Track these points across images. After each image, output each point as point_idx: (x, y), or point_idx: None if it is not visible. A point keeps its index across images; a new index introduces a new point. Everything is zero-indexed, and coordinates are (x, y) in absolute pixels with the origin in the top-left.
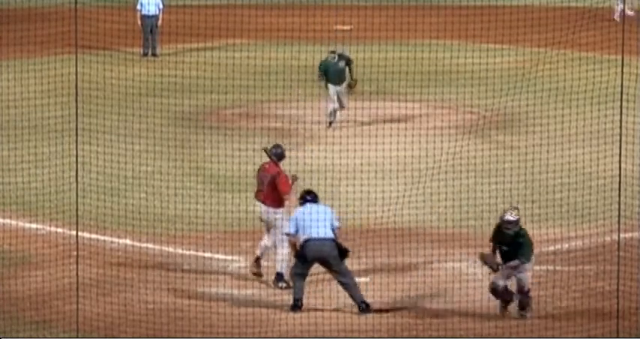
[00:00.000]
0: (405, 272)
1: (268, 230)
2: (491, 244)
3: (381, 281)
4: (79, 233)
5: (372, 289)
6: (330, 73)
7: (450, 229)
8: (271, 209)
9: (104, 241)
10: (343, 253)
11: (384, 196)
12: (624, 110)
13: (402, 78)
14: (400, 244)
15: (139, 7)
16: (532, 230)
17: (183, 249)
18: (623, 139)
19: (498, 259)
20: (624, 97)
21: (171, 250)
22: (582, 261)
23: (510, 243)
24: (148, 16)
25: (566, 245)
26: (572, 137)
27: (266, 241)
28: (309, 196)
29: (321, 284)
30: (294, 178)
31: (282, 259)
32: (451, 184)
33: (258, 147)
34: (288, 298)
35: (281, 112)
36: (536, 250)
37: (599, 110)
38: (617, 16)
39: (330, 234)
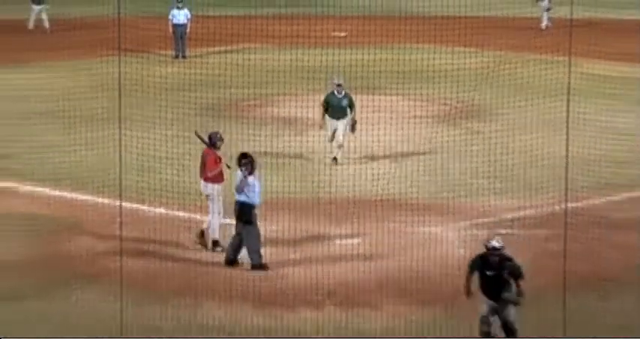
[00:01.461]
0: (390, 234)
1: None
2: (468, 270)
3: (370, 241)
4: (122, 203)
5: (362, 247)
6: (332, 107)
7: (427, 200)
8: (209, 184)
9: (143, 209)
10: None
11: (372, 173)
12: (570, 102)
13: (388, 76)
14: (386, 212)
15: (170, 17)
16: (494, 201)
17: (207, 216)
18: (570, 126)
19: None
20: (571, 91)
21: (197, 217)
22: (535, 226)
23: (496, 268)
24: (179, 25)
25: (522, 213)
26: (528, 124)
27: (216, 220)
28: (243, 160)
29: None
30: (227, 165)
31: (215, 228)
32: (428, 163)
33: (269, 133)
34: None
35: (287, 104)
36: (496, 218)
37: (550, 102)
38: (543, 26)
39: (246, 200)
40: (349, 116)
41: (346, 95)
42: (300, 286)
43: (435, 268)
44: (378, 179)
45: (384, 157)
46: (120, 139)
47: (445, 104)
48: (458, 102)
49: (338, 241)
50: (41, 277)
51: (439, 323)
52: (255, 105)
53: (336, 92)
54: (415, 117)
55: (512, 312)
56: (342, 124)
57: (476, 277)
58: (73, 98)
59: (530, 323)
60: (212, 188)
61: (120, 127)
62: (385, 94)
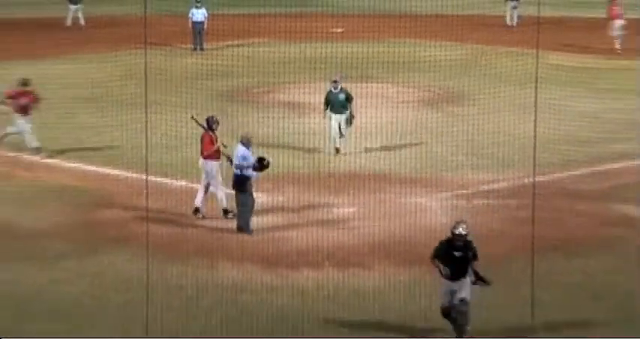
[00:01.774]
0: (381, 204)
1: (207, 183)
2: (435, 261)
3: (364, 210)
4: (149, 177)
5: (357, 215)
6: (332, 103)
7: (413, 174)
8: (208, 162)
9: (166, 183)
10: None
11: (366, 150)
12: (538, 89)
13: (379, 66)
14: (378, 184)
15: (190, 15)
16: (471, 175)
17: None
18: (538, 109)
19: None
20: (538, 79)
21: (213, 189)
22: (507, 197)
23: (463, 250)
24: (197, 22)
25: (496, 185)
26: (501, 108)
27: (201, 192)
28: (244, 140)
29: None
30: (223, 145)
31: (221, 198)
32: (414, 142)
33: (275, 115)
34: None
35: (292, 91)
36: (473, 190)
37: (520, 89)
38: (508, 22)
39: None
40: (349, 111)
41: (342, 90)
42: (303, 249)
43: (419, 234)
44: (371, 156)
45: (376, 136)
46: (146, 121)
47: (429, 91)
48: (440, 89)
49: (336, 210)
50: (78, 241)
51: (422, 282)
52: (263, 91)
53: (332, 89)
54: (403, 102)
55: (469, 292)
56: (343, 118)
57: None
58: (106, 86)
59: (503, 282)
60: (211, 165)
61: (146, 111)
62: (377, 82)
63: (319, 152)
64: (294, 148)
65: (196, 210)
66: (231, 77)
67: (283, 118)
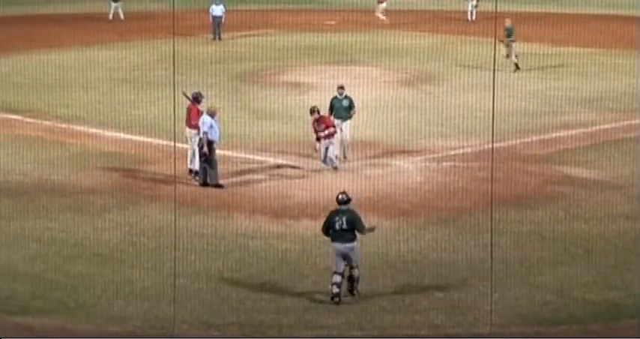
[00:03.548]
0: (368, 169)
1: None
2: (323, 232)
3: (352, 172)
4: (176, 144)
5: (347, 176)
6: (336, 108)
7: (393, 142)
8: (192, 130)
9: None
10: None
11: (354, 123)
12: (496, 71)
13: (365, 52)
14: (364, 150)
15: (210, 10)
16: (441, 142)
17: (237, 153)
18: (495, 88)
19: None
20: (495, 63)
21: (229, 153)
22: (470, 160)
23: (347, 218)
24: (216, 16)
25: (461, 151)
26: (465, 87)
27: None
28: (209, 112)
29: None
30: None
31: (191, 160)
32: (393, 115)
33: (282, 93)
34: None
35: (293, 73)
36: (443, 154)
37: (481, 71)
38: (469, 18)
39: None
40: (351, 119)
41: (347, 97)
42: (303, 204)
43: (398, 190)
44: (358, 127)
45: (363, 110)
46: (174, 97)
47: (406, 73)
48: (415, 71)
49: (330, 172)
50: (118, 196)
51: (401, 231)
52: (270, 73)
53: (338, 95)
54: (384, 82)
55: (358, 255)
56: (346, 125)
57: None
58: (141, 68)
59: (463, 228)
60: (195, 134)
61: (174, 89)
62: (363, 66)
63: None
64: (296, 119)
65: (191, 171)
66: (244, 61)
67: (287, 95)
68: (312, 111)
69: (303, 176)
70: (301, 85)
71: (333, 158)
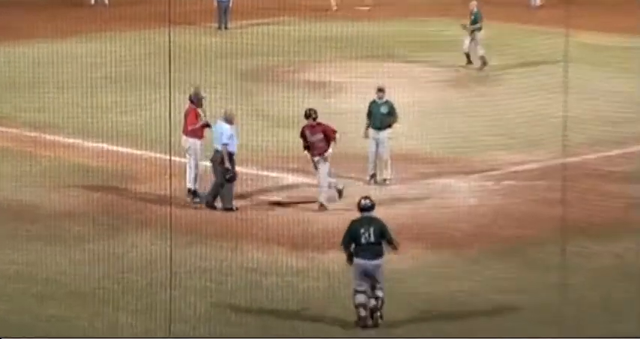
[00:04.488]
0: (409, 185)
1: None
2: (343, 246)
3: (391, 192)
4: (172, 157)
5: (384, 197)
6: (373, 116)
7: (441, 154)
8: (189, 139)
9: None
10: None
11: (393, 131)
12: (568, 68)
13: (405, 45)
14: (405, 165)
15: None
16: (500, 156)
17: (247, 169)
18: (567, 89)
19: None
20: (567, 58)
21: (237, 169)
22: (536, 178)
23: (376, 229)
24: (222, 1)
25: (525, 167)
26: (529, 88)
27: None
28: (228, 117)
29: None
30: (206, 122)
31: (191, 179)
32: (441, 122)
33: (302, 95)
34: None
35: (317, 70)
36: (504, 171)
37: (549, 68)
38: (532, 3)
39: (218, 146)
40: (391, 129)
41: (387, 102)
42: (329, 231)
43: (447, 216)
44: (398, 137)
45: (402, 117)
46: (170, 100)
47: (456, 70)
48: (466, 68)
49: (361, 192)
50: (100, 222)
51: (450, 266)
52: (288, 70)
53: (377, 98)
54: (429, 82)
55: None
56: (384, 137)
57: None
58: (129, 65)
59: (532, 266)
60: (193, 143)
61: (170, 90)
62: (402, 61)
63: (345, 133)
64: None
65: (192, 193)
66: (255, 56)
67: (308, 97)
68: (308, 115)
69: (329, 198)
70: (326, 86)
71: (332, 179)
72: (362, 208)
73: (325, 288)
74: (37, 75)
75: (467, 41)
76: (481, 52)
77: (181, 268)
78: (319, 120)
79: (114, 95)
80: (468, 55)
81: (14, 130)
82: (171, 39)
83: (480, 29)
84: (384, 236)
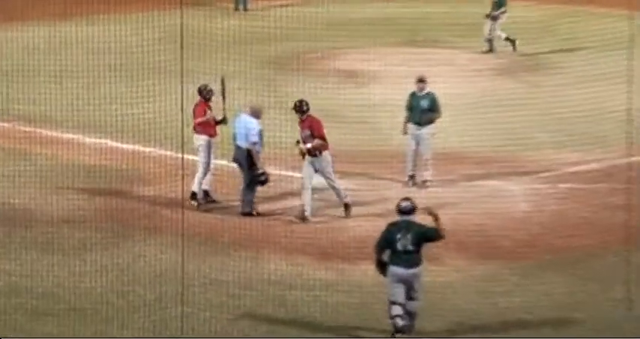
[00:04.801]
0: (452, 187)
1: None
2: (376, 250)
3: (432, 195)
4: (185, 156)
5: (423, 200)
6: (413, 109)
7: (488, 153)
8: (200, 136)
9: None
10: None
11: (435, 127)
12: (633, 55)
13: (449, 29)
14: (448, 165)
15: None
16: (554, 155)
17: (270, 169)
18: (632, 79)
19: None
20: (630, 44)
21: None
22: (597, 180)
23: (414, 236)
24: None
25: (584, 167)
26: (588, 78)
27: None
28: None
29: None
30: (222, 118)
31: (199, 181)
32: (488, 116)
33: (331, 86)
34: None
35: (351, 57)
36: (560, 172)
37: (611, 55)
38: None
39: (244, 144)
40: (432, 125)
41: (428, 94)
42: (361, 239)
43: (496, 222)
44: (440, 132)
45: (446, 109)
46: (182, 92)
47: (506, 58)
48: (518, 55)
49: (398, 194)
50: (105, 229)
51: (499, 279)
52: (316, 58)
53: (417, 90)
54: (475, 70)
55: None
56: (424, 134)
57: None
58: (136, 51)
59: (592, 280)
60: (203, 140)
61: (182, 80)
62: (445, 48)
63: (381, 128)
64: (352, 123)
65: (193, 195)
66: (279, 41)
67: (339, 88)
68: (298, 108)
69: (362, 201)
70: (359, 75)
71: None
72: (401, 211)
73: (357, 304)
74: (32, 62)
75: (488, 27)
76: (503, 35)
77: (195, 281)
78: (314, 115)
79: (119, 85)
80: (490, 41)
81: (5, 125)
82: (184, 22)
83: (504, 13)
84: (424, 240)
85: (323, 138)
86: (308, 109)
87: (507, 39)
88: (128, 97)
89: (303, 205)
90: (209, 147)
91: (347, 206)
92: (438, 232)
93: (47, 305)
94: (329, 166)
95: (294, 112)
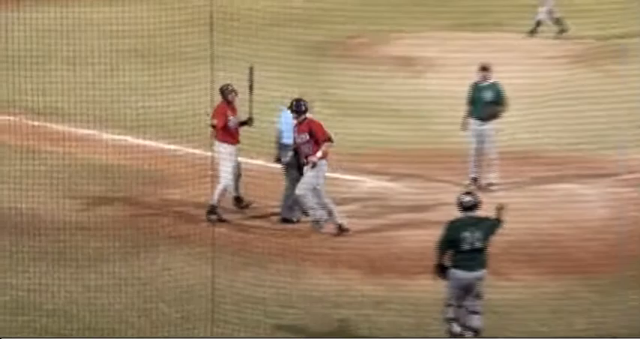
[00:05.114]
0: (521, 191)
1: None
2: (439, 252)
3: (497, 201)
4: (214, 154)
5: (488, 208)
6: (475, 102)
7: (562, 152)
8: (217, 142)
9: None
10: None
11: (501, 122)
12: None
13: (518, 10)
14: (516, 166)
15: None
16: (637, 155)
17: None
18: None
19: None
20: None
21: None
22: None
23: (482, 232)
24: None
25: None
26: None
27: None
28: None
29: None
30: (245, 122)
31: (219, 192)
32: (562, 110)
33: (382, 75)
34: None
35: (403, 42)
36: None
37: None
38: None
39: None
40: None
41: (493, 85)
42: (417, 250)
43: (570, 231)
44: (507, 128)
45: (513, 103)
46: (211, 81)
47: (582, 43)
48: (596, 40)
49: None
50: (124, 238)
51: (575, 297)
52: (364, 43)
53: (480, 80)
54: (547, 58)
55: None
56: (488, 130)
57: None
58: (160, 35)
59: None
60: (223, 148)
61: (211, 68)
62: (512, 32)
63: (439, 123)
64: (406, 117)
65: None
66: (321, 24)
67: (390, 77)
68: (295, 108)
69: (417, 207)
70: (413, 62)
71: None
72: (464, 207)
73: (412, 324)
74: (42, 47)
75: (543, 12)
76: (542, 16)
77: (226, 299)
78: (313, 117)
79: (140, 73)
80: (559, 21)
81: (11, 118)
82: (214, 2)
83: None
84: (490, 238)
85: (330, 140)
86: (306, 110)
87: (557, 21)
88: (150, 87)
89: (331, 218)
90: (232, 155)
91: (341, 228)
92: (500, 221)
93: (58, 324)
94: (324, 175)
95: (292, 111)
